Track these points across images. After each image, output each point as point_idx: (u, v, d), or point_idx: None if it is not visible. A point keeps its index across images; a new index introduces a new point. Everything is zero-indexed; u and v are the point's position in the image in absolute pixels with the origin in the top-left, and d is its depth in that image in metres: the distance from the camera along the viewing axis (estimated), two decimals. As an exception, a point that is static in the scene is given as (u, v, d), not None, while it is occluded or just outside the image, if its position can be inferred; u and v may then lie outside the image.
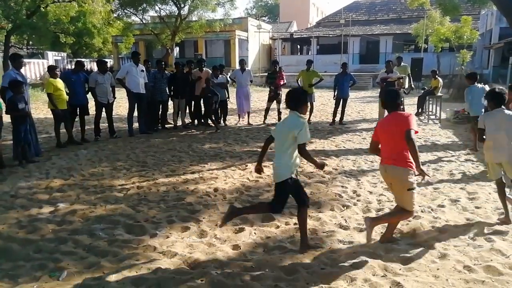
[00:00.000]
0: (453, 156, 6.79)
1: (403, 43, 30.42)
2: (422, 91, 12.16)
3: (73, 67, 27.23)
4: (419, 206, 4.36)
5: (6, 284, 2.85)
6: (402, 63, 10.80)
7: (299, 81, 10.40)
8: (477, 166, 6.01)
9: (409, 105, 13.01)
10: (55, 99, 7.00)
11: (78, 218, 4.08)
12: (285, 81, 10.40)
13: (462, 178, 5.44)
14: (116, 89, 8.37)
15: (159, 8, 26.02)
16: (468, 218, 4.03)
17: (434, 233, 3.69)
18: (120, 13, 28.36)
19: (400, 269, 3.03)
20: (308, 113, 10.63)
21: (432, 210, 4.27)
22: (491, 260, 3.13)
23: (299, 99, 3.25)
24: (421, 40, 25.05)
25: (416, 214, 4.12)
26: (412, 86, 10.73)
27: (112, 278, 2.94)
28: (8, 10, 20.44)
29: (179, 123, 9.80)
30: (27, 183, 5.24)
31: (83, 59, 28.93)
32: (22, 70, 6.51)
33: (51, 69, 7.17)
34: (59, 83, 7.11)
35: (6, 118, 6.14)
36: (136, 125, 8.96)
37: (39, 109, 13.03)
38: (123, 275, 2.97)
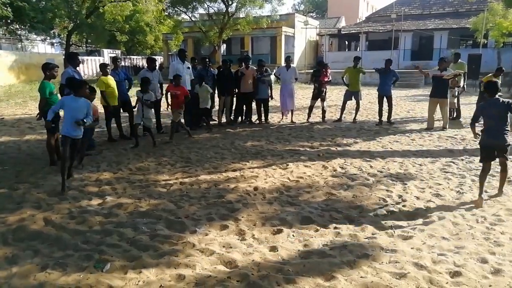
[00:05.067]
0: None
1: (460, 38, 28.62)
2: (480, 90, 11.33)
3: (126, 64, 28.33)
4: (472, 215, 4.08)
5: (57, 271, 3.03)
6: (460, 60, 10.13)
7: (344, 78, 10.14)
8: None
9: (465, 104, 12.22)
10: (106, 96, 7.36)
11: (123, 211, 4.26)
12: (329, 78, 10.17)
13: (522, 186, 5.00)
14: (164, 85, 8.63)
15: (208, 5, 26.52)
16: (528, 231, 3.69)
17: (487, 245, 3.42)
18: (171, 12, 29.29)
19: (447, 283, 2.85)
20: (354, 111, 10.33)
21: (485, 219, 3.97)
22: (553, 280, 2.85)
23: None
24: (480, 35, 23.43)
25: (468, 224, 3.88)
26: (465, 86, 10.06)
27: (152, 273, 3.02)
28: (70, 11, 21.89)
29: (224, 120, 9.92)
30: (79, 175, 5.56)
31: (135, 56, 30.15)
32: (81, 67, 6.91)
33: (102, 67, 7.48)
34: (111, 80, 7.41)
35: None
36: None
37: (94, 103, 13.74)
38: (163, 270, 3.05)
